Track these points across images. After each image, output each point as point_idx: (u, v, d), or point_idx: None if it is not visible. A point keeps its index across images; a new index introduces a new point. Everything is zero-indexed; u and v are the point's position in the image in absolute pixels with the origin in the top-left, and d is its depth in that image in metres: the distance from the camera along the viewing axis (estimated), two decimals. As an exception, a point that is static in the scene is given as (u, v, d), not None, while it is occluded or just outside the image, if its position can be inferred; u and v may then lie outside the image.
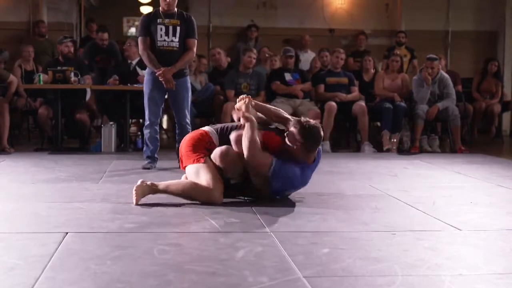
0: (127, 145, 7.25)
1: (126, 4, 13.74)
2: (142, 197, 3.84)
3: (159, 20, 5.58)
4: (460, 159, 6.67)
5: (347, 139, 8.55)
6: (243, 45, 9.34)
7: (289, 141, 3.85)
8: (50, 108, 7.26)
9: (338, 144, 8.10)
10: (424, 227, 3.36)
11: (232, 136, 3.99)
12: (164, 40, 5.58)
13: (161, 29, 5.57)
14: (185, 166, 4.05)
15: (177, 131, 5.81)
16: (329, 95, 7.74)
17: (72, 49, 7.54)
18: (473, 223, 3.47)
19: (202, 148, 4.02)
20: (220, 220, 3.41)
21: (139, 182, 3.87)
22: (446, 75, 7.80)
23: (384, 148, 7.47)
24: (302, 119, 3.92)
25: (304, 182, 3.98)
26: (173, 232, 3.17)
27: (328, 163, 4.11)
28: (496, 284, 2.39)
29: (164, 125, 9.71)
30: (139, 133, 7.93)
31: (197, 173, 3.92)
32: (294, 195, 4.11)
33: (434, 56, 7.72)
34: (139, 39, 5.67)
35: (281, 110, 4.24)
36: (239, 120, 4.10)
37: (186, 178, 4.12)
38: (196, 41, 5.72)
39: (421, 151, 7.51)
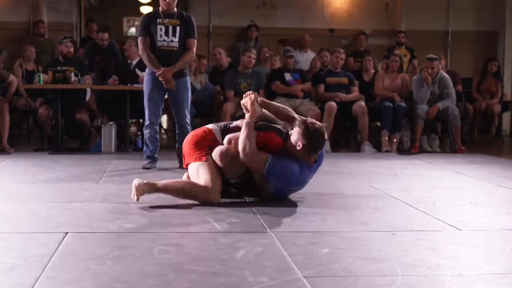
0: (127, 145, 7.25)
1: (126, 4, 13.74)
2: (142, 195, 3.83)
3: (159, 20, 5.58)
4: (460, 159, 6.67)
5: (347, 139, 8.55)
6: (243, 45, 9.34)
7: (292, 141, 3.84)
8: (50, 108, 7.26)
9: (338, 144, 8.10)
10: (424, 227, 3.36)
11: (225, 139, 3.98)
12: (164, 40, 5.58)
13: (161, 29, 5.57)
14: (188, 164, 4.05)
15: (177, 131, 5.81)
16: (329, 95, 7.74)
17: (72, 49, 7.54)
18: (473, 223, 3.47)
19: (205, 146, 4.01)
20: (220, 220, 3.41)
21: (136, 182, 3.85)
22: (446, 75, 7.80)
23: (383, 150, 7.47)
24: (308, 120, 3.90)
25: (302, 182, 3.97)
26: (173, 232, 3.17)
27: (328, 163, 4.12)
28: (496, 284, 2.39)
29: (164, 125, 9.72)
30: (139, 133, 7.93)
31: (197, 172, 3.93)
32: (294, 195, 4.11)
33: (434, 56, 7.73)
34: (139, 39, 5.67)
35: (288, 109, 4.20)
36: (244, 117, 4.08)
37: (188, 177, 4.11)
38: (196, 41, 5.72)
39: (421, 151, 7.51)
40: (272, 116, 4.15)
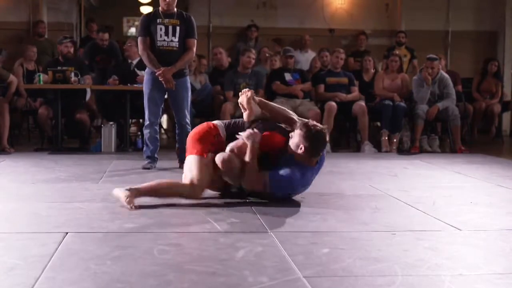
0: (127, 145, 7.25)
1: (126, 4, 13.75)
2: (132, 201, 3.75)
3: (158, 20, 5.58)
4: (460, 159, 6.67)
5: (347, 139, 8.55)
6: (243, 45, 9.34)
7: (293, 143, 3.83)
8: (50, 108, 7.26)
9: (338, 144, 8.10)
10: (424, 227, 3.36)
11: (228, 147, 3.95)
12: (164, 40, 5.58)
13: (160, 29, 5.57)
14: (188, 155, 4.04)
15: (177, 131, 5.82)
16: (329, 95, 7.74)
17: (71, 50, 7.54)
18: (473, 223, 3.47)
19: (208, 142, 3.98)
20: (220, 220, 3.41)
21: (118, 192, 3.77)
22: (446, 75, 7.80)
23: (383, 150, 7.47)
24: (309, 122, 3.87)
25: (305, 185, 3.96)
26: (173, 232, 3.17)
27: (328, 163, 4.11)
28: (496, 284, 2.39)
29: (164, 125, 9.72)
30: (139, 133, 7.93)
31: (191, 165, 3.92)
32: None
33: (434, 56, 7.73)
34: (139, 39, 5.67)
35: (287, 110, 4.17)
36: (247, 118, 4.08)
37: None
38: (196, 41, 5.72)
39: (421, 151, 7.51)
40: (269, 116, 4.13)
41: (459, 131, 7.68)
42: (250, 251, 2.76)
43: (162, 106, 5.88)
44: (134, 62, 7.64)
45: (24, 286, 2.25)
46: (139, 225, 3.28)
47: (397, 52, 8.92)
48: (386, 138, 7.57)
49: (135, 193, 3.77)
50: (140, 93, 5.95)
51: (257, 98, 4.15)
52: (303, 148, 3.78)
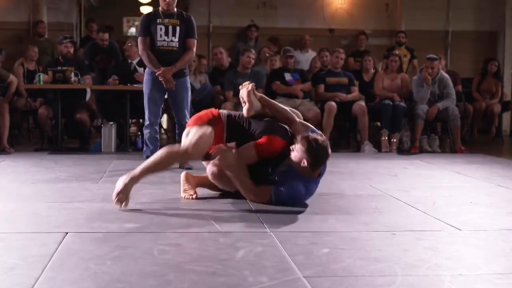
0: (127, 145, 7.25)
1: (126, 4, 13.74)
2: (127, 198, 3.73)
3: (158, 20, 5.58)
4: (460, 159, 6.67)
5: (347, 139, 8.55)
6: (243, 45, 9.34)
7: (296, 157, 3.77)
8: (50, 108, 7.26)
9: (338, 144, 8.10)
10: (424, 227, 3.36)
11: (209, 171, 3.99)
12: (164, 40, 5.58)
13: (160, 29, 5.57)
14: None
15: (177, 131, 5.82)
16: (329, 95, 7.75)
17: (71, 50, 7.54)
18: (473, 223, 3.46)
19: (206, 118, 4.03)
20: (220, 220, 3.41)
21: (115, 193, 3.75)
22: (446, 75, 7.80)
23: (383, 150, 7.48)
24: (310, 136, 3.79)
25: (309, 195, 3.95)
26: (173, 232, 3.17)
27: (328, 163, 4.11)
28: (496, 284, 2.39)
29: (164, 125, 9.72)
30: (139, 133, 7.93)
31: (188, 134, 3.96)
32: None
33: (434, 56, 7.73)
34: (139, 39, 5.67)
35: (288, 110, 4.12)
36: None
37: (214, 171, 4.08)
38: (196, 41, 5.73)
39: (421, 151, 7.51)
40: (270, 113, 4.12)
41: (459, 131, 7.68)
42: (250, 251, 2.76)
43: (162, 106, 5.88)
44: (134, 62, 7.64)
45: (24, 286, 2.25)
46: (139, 225, 3.28)
47: (397, 52, 8.92)
48: (386, 138, 7.57)
49: (130, 186, 3.74)
50: (140, 93, 5.96)
51: (258, 94, 4.14)
52: (305, 163, 3.74)
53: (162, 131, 8.87)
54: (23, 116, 8.43)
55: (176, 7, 5.66)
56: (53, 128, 7.32)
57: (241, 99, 4.12)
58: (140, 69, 7.33)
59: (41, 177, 5.01)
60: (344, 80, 7.93)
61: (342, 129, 8.46)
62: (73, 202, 3.89)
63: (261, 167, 3.96)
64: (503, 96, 9.43)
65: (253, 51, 7.87)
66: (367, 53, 9.19)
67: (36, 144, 7.76)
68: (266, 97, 4.23)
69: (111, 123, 7.28)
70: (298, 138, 3.81)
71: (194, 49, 5.74)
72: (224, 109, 7.18)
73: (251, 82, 4.16)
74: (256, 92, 4.12)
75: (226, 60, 8.39)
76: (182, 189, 4.11)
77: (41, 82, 7.08)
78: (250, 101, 4.03)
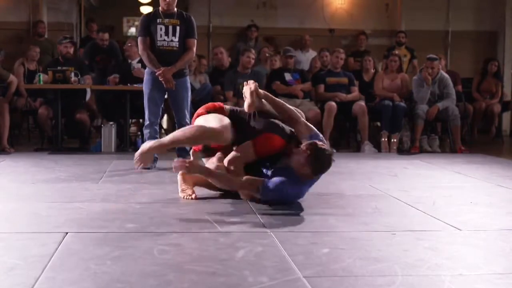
0: (127, 145, 7.25)
1: (126, 4, 13.74)
2: (148, 160, 3.95)
3: (158, 20, 5.58)
4: (460, 159, 6.67)
5: (347, 139, 8.55)
6: (243, 45, 9.34)
7: (298, 162, 3.75)
8: (50, 108, 7.26)
9: (338, 144, 8.10)
10: (424, 227, 3.36)
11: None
12: (164, 40, 5.58)
13: (161, 29, 5.57)
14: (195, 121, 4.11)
15: (177, 131, 5.81)
16: (329, 95, 7.75)
17: (71, 50, 7.54)
18: (473, 223, 3.46)
19: (213, 108, 4.12)
20: (220, 220, 3.41)
21: (139, 152, 3.94)
22: (446, 75, 7.80)
23: (382, 151, 7.48)
24: (318, 144, 3.76)
25: (297, 197, 3.93)
26: (173, 232, 3.17)
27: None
28: (496, 284, 2.39)
29: (164, 125, 9.71)
30: (139, 133, 7.93)
31: (205, 120, 3.96)
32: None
33: (434, 56, 7.73)
34: (139, 39, 5.67)
35: (292, 110, 4.11)
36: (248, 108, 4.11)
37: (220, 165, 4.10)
38: (196, 41, 5.72)
39: (421, 151, 7.51)
40: (273, 110, 4.13)
41: (459, 131, 7.68)
42: (250, 251, 2.76)
43: (162, 106, 5.88)
44: (134, 62, 7.64)
45: (24, 286, 2.25)
46: (139, 225, 3.28)
47: (396, 52, 8.92)
48: (386, 139, 7.57)
49: (157, 150, 3.94)
50: (140, 93, 5.95)
51: (262, 92, 4.13)
52: (308, 170, 3.73)
53: (162, 131, 8.87)
54: (23, 116, 8.43)
55: (176, 7, 5.66)
56: (53, 128, 7.31)
57: (243, 94, 4.14)
58: (138, 65, 7.34)
59: (41, 177, 5.01)
60: (344, 80, 7.94)
61: (342, 129, 8.46)
62: (73, 202, 3.89)
63: (259, 165, 3.96)
64: (503, 96, 9.43)
65: (253, 51, 7.87)
66: (367, 53, 9.19)
67: (36, 144, 7.76)
68: (271, 95, 4.23)
69: (111, 123, 7.27)
70: (303, 143, 3.80)
71: (194, 49, 5.73)
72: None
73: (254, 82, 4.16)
74: (259, 91, 4.09)
75: (226, 60, 8.38)
76: (180, 189, 4.12)
77: (41, 82, 7.08)
78: (252, 100, 4.03)
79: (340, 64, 8.02)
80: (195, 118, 4.16)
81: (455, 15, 10.73)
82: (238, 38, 10.15)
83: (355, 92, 7.93)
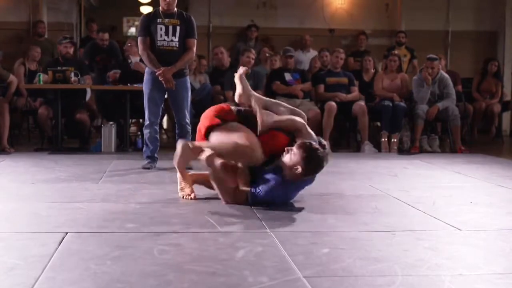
0: (127, 145, 7.25)
1: (126, 4, 13.74)
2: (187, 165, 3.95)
3: (159, 20, 5.58)
4: (460, 159, 6.67)
5: (347, 139, 8.55)
6: (243, 45, 9.34)
7: (290, 161, 3.72)
8: (50, 108, 7.26)
9: (338, 144, 8.10)
10: (424, 227, 3.36)
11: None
12: (164, 40, 5.58)
13: (161, 29, 5.57)
14: (205, 134, 4.00)
15: (177, 131, 5.82)
16: (329, 95, 7.75)
17: (70, 50, 7.53)
18: (473, 223, 3.47)
19: (223, 113, 4.04)
20: (220, 220, 3.41)
21: (180, 148, 3.86)
22: (446, 75, 7.80)
23: (382, 151, 7.48)
24: (313, 145, 3.75)
25: (288, 199, 3.92)
26: (173, 232, 3.17)
27: (328, 163, 4.12)
28: (496, 284, 2.39)
29: (164, 125, 9.72)
30: (139, 133, 7.93)
31: (227, 136, 3.86)
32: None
33: (434, 56, 7.73)
34: (139, 39, 5.67)
35: (282, 106, 4.15)
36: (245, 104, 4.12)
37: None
38: (196, 41, 5.72)
39: (421, 151, 7.51)
40: (274, 107, 4.14)
41: (459, 131, 7.68)
42: (250, 251, 2.76)
43: (162, 106, 5.88)
44: (133, 58, 7.65)
45: (24, 286, 2.25)
46: (139, 225, 3.28)
47: (396, 52, 8.92)
48: (386, 139, 7.57)
49: (193, 156, 3.84)
50: (140, 93, 5.95)
51: (254, 95, 4.16)
52: (299, 169, 3.69)
53: (162, 131, 8.88)
54: (23, 116, 8.43)
55: (176, 7, 5.66)
56: (53, 128, 7.31)
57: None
58: (136, 58, 7.35)
59: (41, 177, 5.01)
60: (344, 80, 7.94)
61: (342, 129, 8.47)
62: (73, 202, 3.89)
63: (261, 165, 3.95)
64: (503, 96, 9.43)
65: (253, 51, 7.88)
66: (367, 53, 9.19)
67: (36, 144, 7.75)
68: (259, 96, 4.26)
69: (111, 123, 7.27)
70: (298, 142, 3.78)
71: (194, 49, 5.73)
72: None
73: (251, 82, 4.19)
74: (258, 107, 4.02)
75: (226, 60, 8.38)
76: (179, 187, 4.10)
77: (41, 82, 7.08)
78: (240, 83, 4.12)
79: (340, 64, 8.02)
80: (207, 124, 4.02)
81: (455, 15, 10.73)
82: (238, 38, 10.15)
83: (355, 92, 7.93)
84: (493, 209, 3.91)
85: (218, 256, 2.68)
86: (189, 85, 5.81)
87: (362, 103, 7.72)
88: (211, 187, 4.14)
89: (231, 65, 8.42)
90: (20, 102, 8.04)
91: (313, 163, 3.72)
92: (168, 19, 5.58)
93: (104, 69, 8.20)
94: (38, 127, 8.12)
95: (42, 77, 7.10)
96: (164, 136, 9.05)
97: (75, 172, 5.35)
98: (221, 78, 7.89)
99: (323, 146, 3.91)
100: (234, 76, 7.52)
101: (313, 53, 9.55)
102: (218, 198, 4.06)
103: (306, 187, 3.98)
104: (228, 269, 2.49)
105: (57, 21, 10.18)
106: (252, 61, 7.69)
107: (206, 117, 4.06)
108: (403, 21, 10.65)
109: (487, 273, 2.52)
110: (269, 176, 3.81)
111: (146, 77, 5.73)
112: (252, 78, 7.64)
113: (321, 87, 7.89)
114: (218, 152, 3.78)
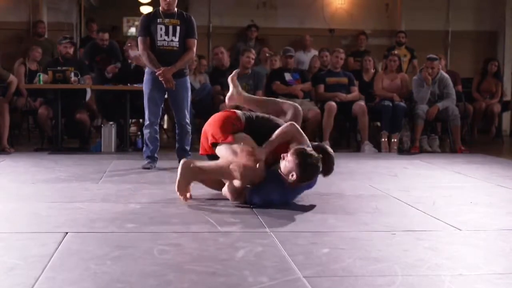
0: (127, 145, 7.25)
1: (126, 4, 13.73)
2: (187, 184, 3.90)
3: (159, 20, 5.58)
4: (460, 159, 6.67)
5: (347, 139, 8.55)
6: (243, 45, 9.34)
7: (285, 168, 3.72)
8: (50, 108, 7.26)
9: (338, 144, 8.10)
10: (424, 227, 3.36)
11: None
12: (164, 40, 5.58)
13: (161, 29, 5.57)
14: (212, 144, 3.95)
15: (177, 131, 5.82)
16: (329, 95, 7.75)
17: (70, 50, 7.53)
18: (473, 223, 3.47)
19: (230, 126, 3.94)
20: (220, 220, 3.41)
21: (182, 165, 3.87)
22: (446, 75, 7.80)
23: (382, 151, 7.48)
24: (306, 150, 3.72)
25: (285, 203, 3.91)
26: (173, 232, 3.17)
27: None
28: (496, 284, 2.39)
29: (164, 125, 9.72)
30: (139, 133, 7.93)
31: (234, 153, 3.82)
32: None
33: (434, 56, 7.73)
34: (139, 39, 5.67)
35: (275, 101, 4.22)
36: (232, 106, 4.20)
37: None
38: (196, 41, 5.73)
39: (421, 151, 7.51)
40: (265, 105, 4.22)
41: (459, 131, 7.68)
42: (250, 251, 2.76)
43: (162, 106, 5.88)
44: (132, 52, 7.66)
45: (24, 286, 2.25)
46: (139, 225, 3.28)
47: (396, 52, 8.92)
48: (386, 140, 7.57)
49: (194, 177, 3.89)
50: (140, 93, 5.96)
51: (244, 94, 4.26)
52: (294, 176, 3.69)
53: (162, 131, 8.87)
54: (23, 116, 8.43)
55: (176, 7, 5.66)
56: (53, 128, 7.31)
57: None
58: (134, 52, 7.35)
59: (41, 177, 5.01)
60: (344, 80, 7.94)
61: (342, 129, 8.47)
62: (73, 202, 3.89)
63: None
64: (503, 96, 9.43)
65: (253, 51, 7.87)
66: (367, 53, 9.19)
67: (36, 144, 7.75)
68: (249, 95, 4.38)
69: (111, 123, 7.27)
70: (292, 149, 3.76)
71: (194, 49, 5.74)
72: (223, 109, 7.20)
73: (249, 85, 4.23)
74: (241, 91, 4.23)
75: (227, 60, 8.38)
76: (176, 186, 3.96)
77: (41, 82, 7.08)
78: (233, 88, 4.20)
79: (340, 64, 8.02)
80: (219, 138, 3.94)
81: (455, 15, 10.72)
82: (238, 38, 10.15)
83: (355, 92, 7.93)
84: (493, 209, 3.91)
85: (218, 256, 2.68)
86: (189, 85, 5.81)
87: (362, 103, 7.71)
88: (211, 187, 4.14)
89: (231, 65, 8.42)
90: (20, 102, 8.04)
91: (308, 169, 3.70)
92: (168, 19, 5.59)
93: (104, 69, 8.20)
94: (38, 127, 8.12)
95: (42, 77, 7.10)
96: (164, 136, 9.05)
97: (75, 172, 5.35)
98: (221, 78, 7.87)
99: (324, 151, 3.90)
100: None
101: (314, 53, 9.55)
102: (218, 198, 4.07)
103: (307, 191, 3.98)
104: (228, 269, 2.49)
105: (57, 21, 10.18)
106: (252, 61, 7.70)
107: (217, 127, 3.96)
108: (403, 21, 10.64)
109: (487, 273, 2.52)
110: (269, 180, 3.81)
111: (146, 77, 5.73)
112: (252, 78, 7.65)
113: (321, 87, 7.89)
114: (219, 173, 3.86)
